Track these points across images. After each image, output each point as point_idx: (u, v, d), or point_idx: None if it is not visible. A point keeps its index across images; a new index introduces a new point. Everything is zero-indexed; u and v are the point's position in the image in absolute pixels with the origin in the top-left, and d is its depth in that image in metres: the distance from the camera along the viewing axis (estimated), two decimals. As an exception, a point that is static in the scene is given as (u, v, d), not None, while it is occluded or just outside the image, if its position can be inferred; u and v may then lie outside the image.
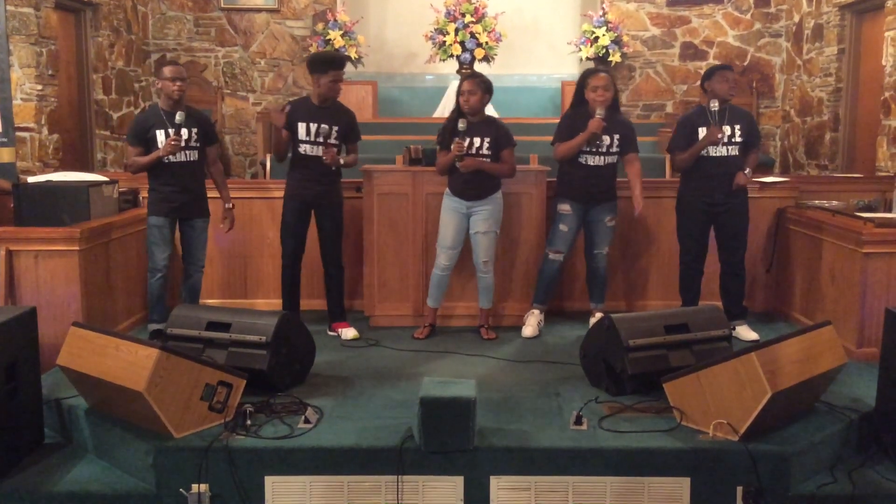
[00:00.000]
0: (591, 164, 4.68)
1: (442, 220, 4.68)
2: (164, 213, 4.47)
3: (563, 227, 4.75)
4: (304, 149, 4.61)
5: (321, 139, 4.58)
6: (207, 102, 8.80)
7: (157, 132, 4.42)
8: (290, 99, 5.16)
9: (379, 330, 4.91)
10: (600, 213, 4.76)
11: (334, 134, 4.61)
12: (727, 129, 4.60)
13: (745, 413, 3.19)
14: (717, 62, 8.91)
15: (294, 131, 4.61)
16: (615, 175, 4.79)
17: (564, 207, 4.75)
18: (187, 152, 4.47)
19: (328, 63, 4.63)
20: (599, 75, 4.64)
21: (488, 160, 4.55)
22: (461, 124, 4.46)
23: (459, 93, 4.57)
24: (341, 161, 4.66)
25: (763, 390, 3.13)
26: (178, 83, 4.41)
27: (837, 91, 7.71)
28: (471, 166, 4.50)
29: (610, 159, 4.71)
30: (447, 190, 4.67)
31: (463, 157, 4.47)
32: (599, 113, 4.55)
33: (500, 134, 4.58)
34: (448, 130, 4.57)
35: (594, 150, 4.65)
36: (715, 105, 4.58)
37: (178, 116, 4.37)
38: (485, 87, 4.55)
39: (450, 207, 4.65)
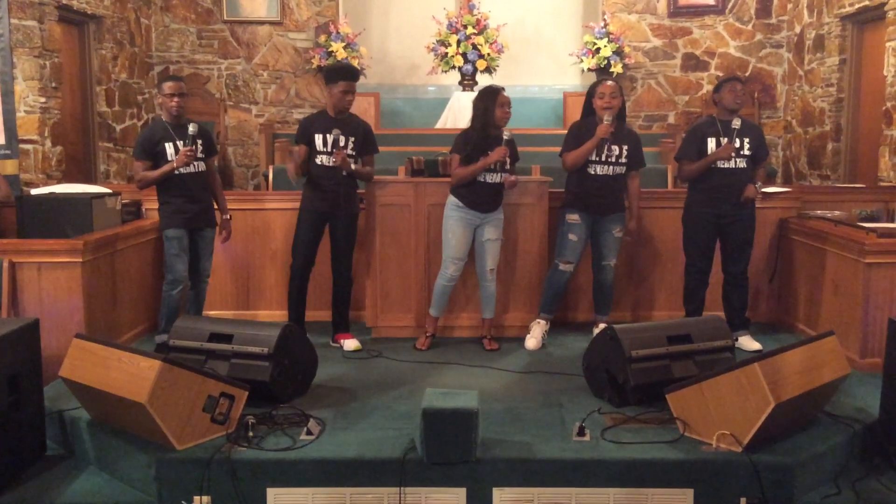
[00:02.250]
0: (600, 173, 4.68)
1: (453, 231, 4.67)
2: (181, 224, 4.51)
3: (572, 237, 4.74)
4: (322, 159, 4.61)
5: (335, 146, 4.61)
6: (210, 114, 8.83)
7: (167, 145, 4.47)
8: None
9: (381, 341, 4.91)
10: (609, 223, 4.76)
11: (350, 143, 4.63)
12: (737, 142, 4.61)
13: (748, 424, 3.18)
14: (718, 73, 8.93)
15: (312, 143, 4.63)
16: (624, 187, 4.79)
17: (573, 217, 4.74)
18: (196, 163, 4.53)
19: (338, 73, 4.69)
20: (606, 84, 4.68)
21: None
22: (507, 134, 4.55)
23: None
24: (352, 166, 4.66)
25: (766, 401, 3.12)
26: (176, 99, 4.45)
27: (839, 101, 7.72)
28: (515, 182, 4.65)
29: (618, 170, 4.71)
30: (458, 202, 4.64)
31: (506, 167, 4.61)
32: (607, 119, 4.58)
33: (514, 149, 4.71)
34: (476, 140, 4.56)
35: (602, 159, 4.66)
36: (737, 123, 4.56)
37: (192, 128, 4.47)
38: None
39: (462, 219, 4.65)
